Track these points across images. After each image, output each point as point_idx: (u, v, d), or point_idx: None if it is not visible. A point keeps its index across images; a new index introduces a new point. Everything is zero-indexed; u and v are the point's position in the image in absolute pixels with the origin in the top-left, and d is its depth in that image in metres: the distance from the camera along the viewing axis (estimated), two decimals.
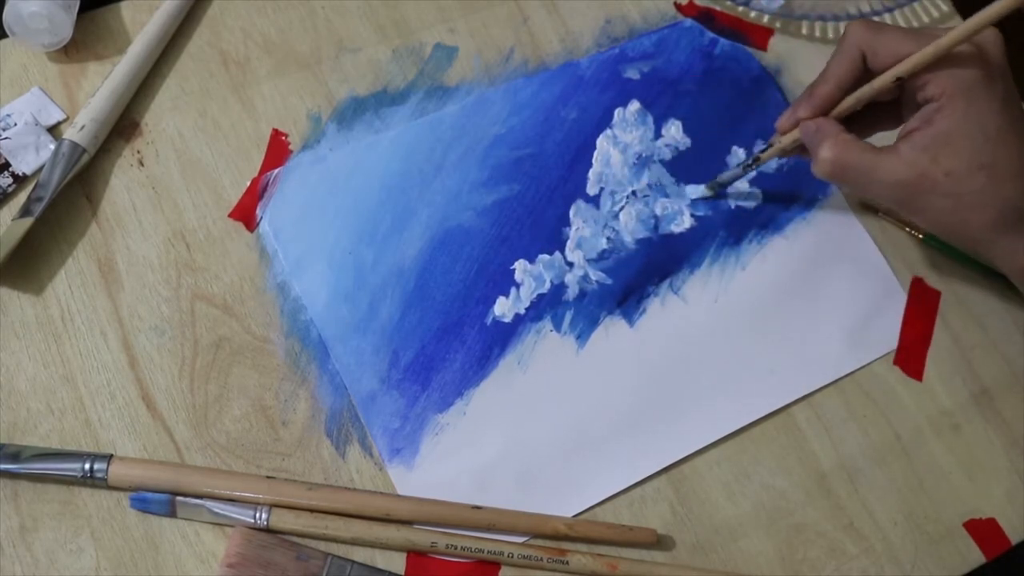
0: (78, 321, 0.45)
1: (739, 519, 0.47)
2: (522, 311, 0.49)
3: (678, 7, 0.58)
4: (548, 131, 0.53)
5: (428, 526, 0.44)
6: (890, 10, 0.59)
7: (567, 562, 0.44)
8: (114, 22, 0.50)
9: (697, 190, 0.53)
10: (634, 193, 0.52)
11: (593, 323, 0.49)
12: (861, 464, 0.49)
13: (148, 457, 0.43)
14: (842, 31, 0.58)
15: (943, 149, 0.42)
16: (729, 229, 0.53)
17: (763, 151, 0.50)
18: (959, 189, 0.42)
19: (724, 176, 0.52)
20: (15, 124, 0.47)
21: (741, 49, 0.57)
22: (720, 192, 0.53)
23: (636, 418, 0.48)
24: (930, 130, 0.42)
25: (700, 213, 0.53)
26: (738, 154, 0.54)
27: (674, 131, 0.54)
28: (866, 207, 0.55)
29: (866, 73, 0.44)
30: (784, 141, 0.48)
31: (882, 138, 0.46)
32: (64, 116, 0.48)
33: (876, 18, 0.59)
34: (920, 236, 0.54)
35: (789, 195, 0.54)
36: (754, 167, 0.50)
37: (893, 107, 0.46)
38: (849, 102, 0.45)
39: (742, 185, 0.54)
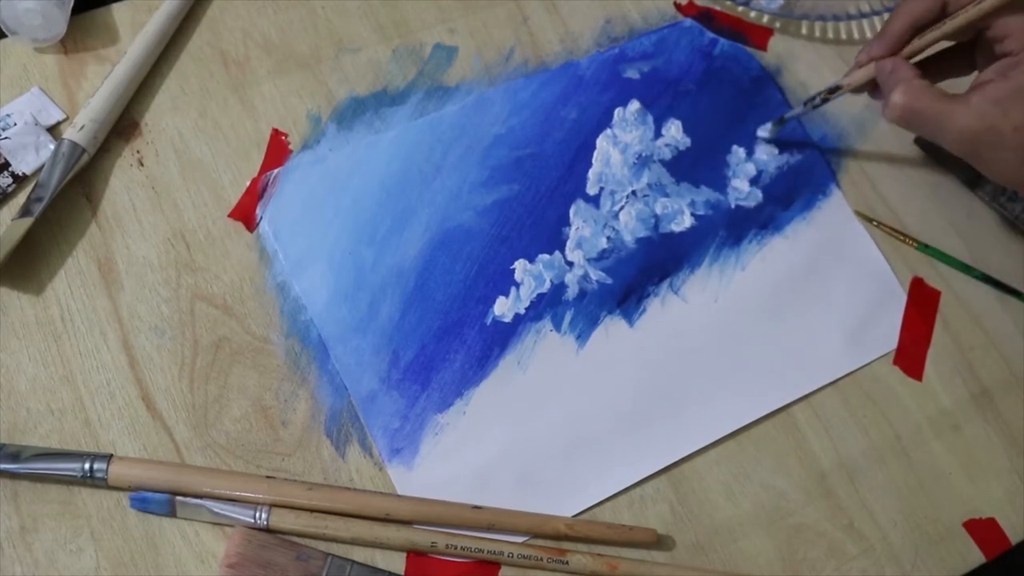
0: (78, 321, 0.45)
1: (739, 519, 0.47)
2: (522, 311, 0.49)
3: (678, 7, 0.58)
4: (548, 131, 0.53)
5: (428, 526, 0.44)
6: (890, 10, 0.59)
7: (567, 562, 0.44)
8: (114, 22, 0.50)
9: (765, 130, 0.54)
10: (634, 193, 0.52)
11: (593, 323, 0.49)
12: (861, 464, 0.49)
13: (148, 457, 0.43)
14: (842, 32, 0.59)
15: (1015, 103, 0.42)
16: (729, 229, 0.53)
17: (833, 89, 0.50)
18: None
19: (789, 114, 0.53)
20: (15, 124, 0.47)
21: (741, 49, 0.57)
22: (782, 132, 0.54)
23: (636, 418, 0.48)
24: (1005, 84, 0.42)
25: (700, 213, 0.53)
26: (738, 153, 0.54)
27: (674, 131, 0.54)
28: (862, 213, 0.55)
29: (942, 11, 0.45)
30: (856, 76, 0.48)
31: (956, 84, 0.47)
32: (64, 116, 0.48)
33: (876, 18, 0.59)
34: (915, 245, 0.54)
35: (789, 195, 0.54)
36: (822, 104, 0.50)
37: (968, 53, 0.46)
38: (926, 41, 0.45)
39: (742, 185, 0.54)
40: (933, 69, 0.47)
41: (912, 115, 0.44)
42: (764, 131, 0.55)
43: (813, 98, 0.51)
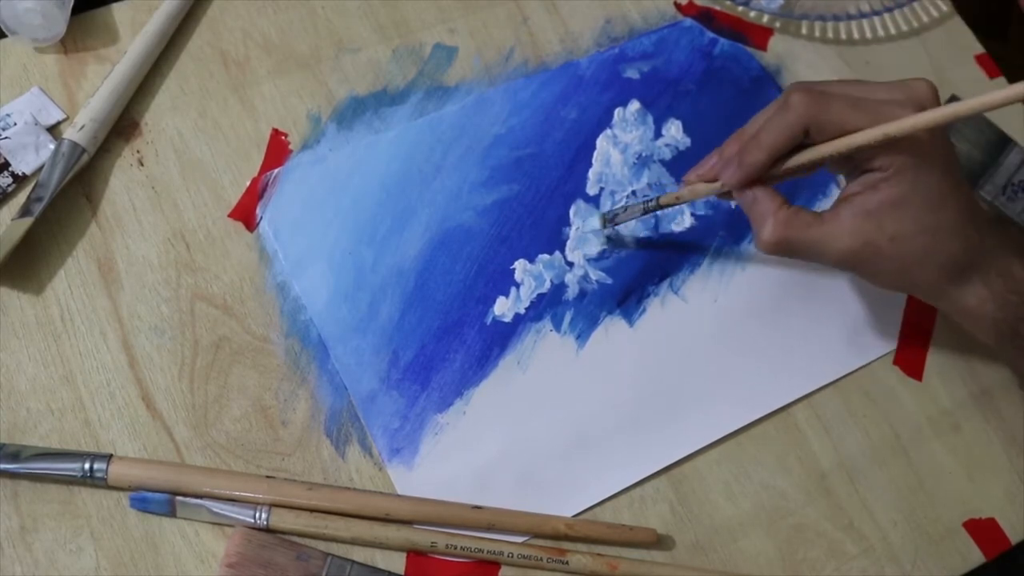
0: (78, 321, 0.45)
1: (739, 519, 0.47)
2: (522, 311, 0.49)
3: (678, 7, 0.58)
4: (548, 131, 0.53)
5: (428, 526, 0.44)
6: (890, 10, 0.59)
7: (567, 562, 0.44)
8: (114, 22, 0.50)
9: (592, 223, 0.50)
10: (634, 193, 0.52)
11: (593, 323, 0.49)
12: (861, 464, 0.49)
13: (148, 457, 0.43)
14: (842, 32, 0.59)
15: (888, 216, 0.42)
16: (729, 229, 0.53)
17: (663, 197, 0.47)
18: (904, 251, 0.43)
19: (622, 214, 0.49)
20: (15, 124, 0.47)
21: (741, 49, 0.57)
22: (613, 231, 0.51)
23: (636, 418, 0.48)
24: (875, 196, 0.42)
25: (700, 213, 0.53)
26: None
27: (674, 131, 0.54)
28: None
29: (804, 138, 0.43)
30: (700, 190, 0.45)
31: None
32: (64, 116, 0.48)
33: (876, 18, 0.59)
34: None
35: (789, 195, 0.54)
36: (656, 210, 0.47)
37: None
38: (786, 170, 0.43)
39: None
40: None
41: (787, 247, 0.43)
42: (590, 227, 0.51)
43: (649, 200, 0.47)
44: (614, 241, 0.51)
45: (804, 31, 0.58)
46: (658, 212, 0.49)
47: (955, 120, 0.40)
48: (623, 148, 0.53)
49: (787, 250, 0.44)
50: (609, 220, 0.50)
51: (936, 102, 0.42)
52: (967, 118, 0.40)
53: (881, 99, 0.42)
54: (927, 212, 0.42)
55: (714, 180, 0.45)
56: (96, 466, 0.41)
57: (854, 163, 0.43)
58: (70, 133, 0.46)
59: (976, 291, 0.44)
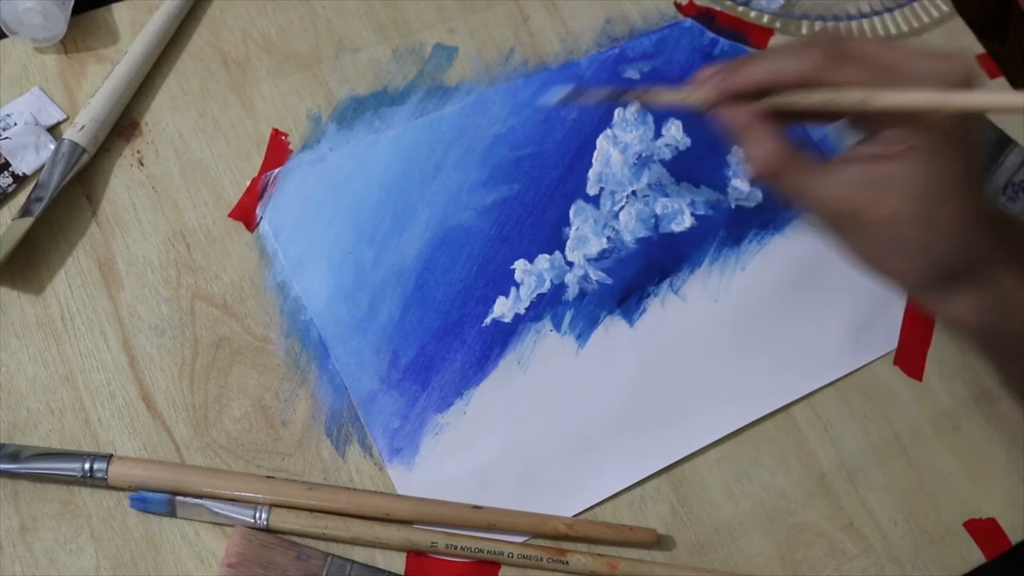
0: (78, 321, 0.45)
1: (739, 519, 0.47)
2: (522, 311, 0.49)
3: (678, 7, 0.58)
4: (548, 131, 0.53)
5: (428, 526, 0.44)
6: (890, 10, 0.59)
7: (567, 562, 0.44)
8: (114, 22, 0.50)
9: (556, 93, 0.46)
10: (634, 193, 0.52)
11: (593, 323, 0.49)
12: (861, 464, 0.49)
13: (148, 457, 0.43)
14: (842, 31, 0.59)
15: (889, 193, 0.39)
16: (729, 229, 0.53)
17: (632, 91, 0.44)
18: (896, 234, 0.40)
19: (590, 91, 0.46)
20: (15, 124, 0.47)
21: (741, 49, 0.57)
22: (574, 101, 0.46)
23: (636, 418, 0.48)
24: (883, 168, 0.38)
25: (700, 213, 0.53)
26: (739, 153, 0.54)
27: (674, 131, 0.54)
28: None
29: (815, 82, 0.39)
30: (684, 94, 0.42)
31: None
32: (64, 116, 0.48)
33: (876, 18, 0.59)
34: None
35: None
36: (624, 99, 0.44)
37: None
38: (795, 101, 0.39)
39: (742, 185, 0.54)
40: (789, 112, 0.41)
41: (780, 180, 0.40)
42: (553, 94, 0.46)
43: (620, 91, 0.44)
44: (614, 242, 0.51)
45: (804, 31, 0.58)
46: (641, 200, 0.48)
47: (990, 110, 0.37)
48: (623, 148, 0.53)
49: (778, 184, 0.40)
50: (573, 95, 0.45)
51: (972, 84, 0.37)
52: (1003, 111, 0.37)
53: (910, 69, 0.38)
54: (932, 202, 0.39)
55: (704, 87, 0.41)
56: (96, 466, 0.41)
57: (871, 125, 0.39)
58: (70, 133, 0.46)
59: (962, 299, 0.41)
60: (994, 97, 0.37)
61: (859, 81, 0.37)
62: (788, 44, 0.39)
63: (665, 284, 0.51)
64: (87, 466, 0.41)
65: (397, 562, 0.43)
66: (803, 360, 0.50)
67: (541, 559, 0.44)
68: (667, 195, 0.53)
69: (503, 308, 0.49)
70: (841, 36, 0.39)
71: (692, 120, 0.54)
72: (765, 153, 0.39)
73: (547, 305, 0.49)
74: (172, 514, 0.42)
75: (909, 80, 0.37)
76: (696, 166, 0.54)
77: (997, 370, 0.45)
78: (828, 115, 0.41)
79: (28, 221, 0.44)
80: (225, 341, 0.46)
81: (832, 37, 0.39)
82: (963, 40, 0.61)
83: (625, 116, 0.54)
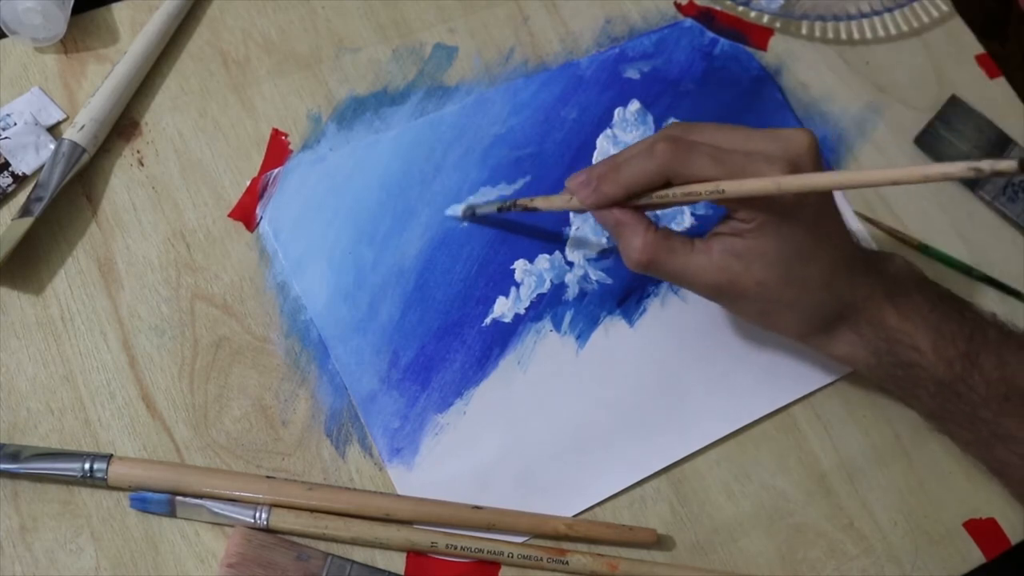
0: (78, 321, 0.45)
1: (739, 519, 0.47)
2: (522, 311, 0.49)
3: (678, 7, 0.58)
4: (548, 131, 0.53)
5: (428, 526, 0.44)
6: (890, 10, 0.59)
7: (567, 562, 0.44)
8: (114, 22, 0.50)
9: (455, 210, 0.50)
10: None
11: (593, 323, 0.49)
12: (861, 464, 0.49)
13: (148, 457, 0.43)
14: (842, 32, 0.59)
15: (754, 262, 0.42)
16: None
17: (521, 200, 0.47)
18: (770, 297, 0.43)
19: (481, 207, 0.49)
20: (15, 124, 0.47)
21: (741, 49, 0.57)
22: (473, 219, 0.50)
23: (636, 418, 0.48)
24: (743, 242, 0.42)
25: (700, 213, 0.53)
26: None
27: None
28: (862, 214, 0.55)
29: (665, 185, 0.42)
30: (555, 203, 0.45)
31: None
32: (64, 116, 0.48)
33: (876, 18, 0.59)
34: (915, 245, 0.54)
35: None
36: (518, 209, 0.47)
37: None
38: (651, 199, 0.42)
39: None
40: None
41: (656, 269, 0.43)
42: (453, 212, 0.50)
43: (507, 204, 0.47)
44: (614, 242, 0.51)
45: (804, 31, 0.58)
46: (578, 214, 0.50)
47: (798, 191, 0.39)
48: (623, 148, 0.53)
49: (655, 272, 0.43)
50: (469, 213, 0.50)
51: (814, 155, 0.40)
52: (809, 191, 0.39)
53: (751, 151, 0.40)
54: (794, 264, 0.42)
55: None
56: (96, 466, 0.41)
57: (728, 204, 0.42)
58: (70, 133, 0.46)
59: (846, 338, 0.45)
60: (822, 178, 0.39)
61: (707, 170, 0.40)
62: (639, 143, 0.42)
63: (665, 284, 0.51)
64: (87, 466, 0.41)
65: (397, 562, 0.43)
66: (803, 360, 0.50)
67: (541, 559, 0.44)
68: None
69: (503, 308, 0.49)
70: (685, 126, 0.42)
71: (692, 120, 0.54)
72: (639, 246, 0.42)
73: (547, 305, 0.49)
74: (172, 514, 0.42)
75: (751, 160, 0.40)
76: None
77: (904, 403, 0.47)
78: (665, 206, 0.43)
79: (28, 221, 0.44)
80: (225, 341, 0.46)
81: (677, 129, 0.42)
82: (963, 40, 0.61)
83: (625, 116, 0.54)
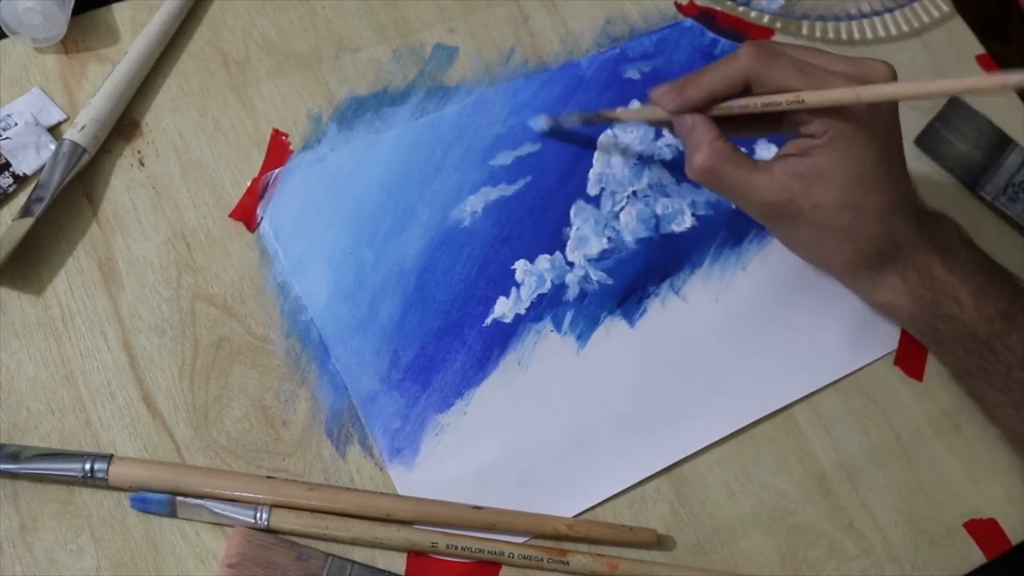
0: (78, 321, 0.45)
1: (739, 519, 0.47)
2: (522, 311, 0.49)
3: (678, 7, 0.58)
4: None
5: (428, 526, 0.44)
6: (890, 10, 0.59)
7: (567, 562, 0.44)
8: (114, 22, 0.50)
9: (538, 122, 0.52)
10: (635, 193, 0.52)
11: (594, 323, 0.49)
12: (861, 464, 0.49)
13: (148, 457, 0.43)
14: (842, 32, 0.59)
15: (815, 182, 0.42)
16: (730, 229, 0.53)
17: (604, 111, 0.49)
18: (824, 222, 0.43)
19: (565, 119, 0.51)
20: (15, 124, 0.47)
21: None
22: (557, 131, 0.52)
23: (636, 418, 0.48)
24: (807, 161, 0.42)
25: (701, 213, 0.53)
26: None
27: None
28: None
29: (745, 90, 0.43)
30: (646, 112, 0.47)
31: None
32: (64, 116, 0.48)
33: (876, 18, 0.59)
34: None
35: None
36: (601, 120, 0.49)
37: (775, 118, 0.45)
38: (730, 107, 0.43)
39: None
40: (733, 123, 0.45)
41: (715, 180, 0.44)
42: (539, 122, 0.52)
43: (591, 114, 0.49)
44: (614, 242, 0.51)
45: (805, 31, 0.58)
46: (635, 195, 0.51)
47: (877, 100, 0.41)
48: (624, 148, 0.53)
49: (715, 182, 0.44)
50: (553, 124, 0.51)
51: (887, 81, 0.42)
52: (889, 100, 0.42)
53: (832, 70, 0.42)
54: (854, 189, 0.42)
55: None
56: (97, 466, 0.41)
57: (794, 125, 0.43)
58: (71, 133, 0.46)
59: (892, 283, 0.45)
60: (901, 88, 0.41)
61: (790, 78, 0.41)
62: (724, 56, 0.44)
63: (666, 284, 0.51)
64: (87, 466, 0.41)
65: (397, 562, 0.43)
66: (803, 360, 0.50)
67: (541, 559, 0.44)
68: (668, 195, 0.53)
69: (504, 308, 0.49)
70: (767, 42, 0.44)
71: None
72: (705, 152, 0.43)
73: (548, 305, 0.49)
74: (172, 514, 0.42)
75: (832, 77, 0.41)
76: None
77: (940, 358, 0.49)
78: (767, 124, 0.45)
79: (28, 221, 0.44)
80: (225, 341, 0.46)
81: (759, 43, 0.44)
82: (963, 40, 0.61)
83: None
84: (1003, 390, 0.46)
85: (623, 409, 0.48)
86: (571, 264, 0.50)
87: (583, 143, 0.53)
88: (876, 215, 0.43)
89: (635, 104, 0.54)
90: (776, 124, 0.45)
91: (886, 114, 0.43)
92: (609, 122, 0.48)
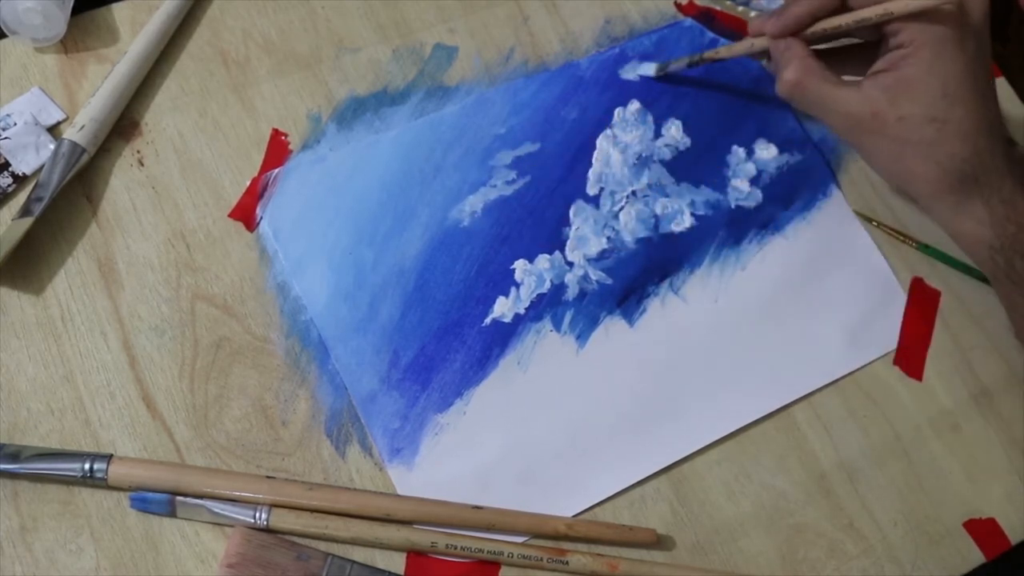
0: (78, 321, 0.45)
1: (739, 519, 0.47)
2: (522, 311, 0.49)
3: (678, 7, 0.58)
4: (548, 131, 0.53)
5: (428, 526, 0.44)
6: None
7: (567, 562, 0.44)
8: (114, 22, 0.50)
9: (648, 68, 0.54)
10: (634, 193, 0.52)
11: (593, 323, 0.49)
12: (861, 464, 0.49)
13: (148, 457, 0.43)
14: None
15: (901, 94, 0.42)
16: (729, 229, 0.53)
17: (707, 52, 0.51)
18: (908, 136, 0.43)
19: (672, 64, 0.53)
20: (15, 124, 0.47)
21: None
22: (665, 76, 0.54)
23: (636, 418, 0.48)
24: (894, 73, 0.43)
25: (700, 213, 0.53)
26: (738, 153, 0.54)
27: (674, 131, 0.54)
28: (862, 213, 0.55)
29: (842, 7, 0.44)
30: (741, 47, 0.49)
31: None
32: (64, 116, 0.48)
33: None
34: (915, 245, 0.54)
35: (789, 195, 0.54)
36: (705, 62, 0.51)
37: (871, 52, 0.46)
38: (824, 27, 0.45)
39: (742, 185, 0.54)
40: (832, 59, 0.46)
41: (802, 92, 0.45)
42: (648, 69, 0.54)
43: (695, 58, 0.52)
44: (614, 242, 0.51)
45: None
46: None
47: None
48: (623, 148, 0.53)
49: (801, 96, 0.45)
50: (662, 71, 0.54)
51: (984, 2, 0.42)
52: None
53: None
54: (940, 101, 0.42)
55: (760, 35, 0.47)
56: (96, 466, 0.41)
57: (887, 42, 0.44)
58: (70, 133, 0.46)
59: (975, 211, 0.44)
60: None
61: None
62: None
63: (665, 284, 0.51)
64: (87, 466, 0.41)
65: (397, 562, 0.43)
66: (803, 360, 0.50)
67: (541, 559, 0.44)
68: (667, 195, 0.53)
69: (503, 308, 0.49)
70: None
71: (692, 120, 0.54)
72: (795, 66, 0.44)
73: (547, 305, 0.49)
74: (172, 514, 0.42)
75: None
76: (696, 166, 0.54)
77: (1007, 305, 0.47)
78: (866, 55, 0.45)
79: (28, 221, 0.44)
80: (225, 341, 0.46)
81: None
82: None
83: (625, 116, 0.54)
84: None
85: (623, 409, 0.48)
86: (571, 264, 0.50)
87: (583, 143, 0.53)
88: (961, 132, 0.42)
89: (635, 104, 0.54)
90: (873, 54, 0.45)
91: (974, 30, 0.43)
92: (711, 62, 0.51)
